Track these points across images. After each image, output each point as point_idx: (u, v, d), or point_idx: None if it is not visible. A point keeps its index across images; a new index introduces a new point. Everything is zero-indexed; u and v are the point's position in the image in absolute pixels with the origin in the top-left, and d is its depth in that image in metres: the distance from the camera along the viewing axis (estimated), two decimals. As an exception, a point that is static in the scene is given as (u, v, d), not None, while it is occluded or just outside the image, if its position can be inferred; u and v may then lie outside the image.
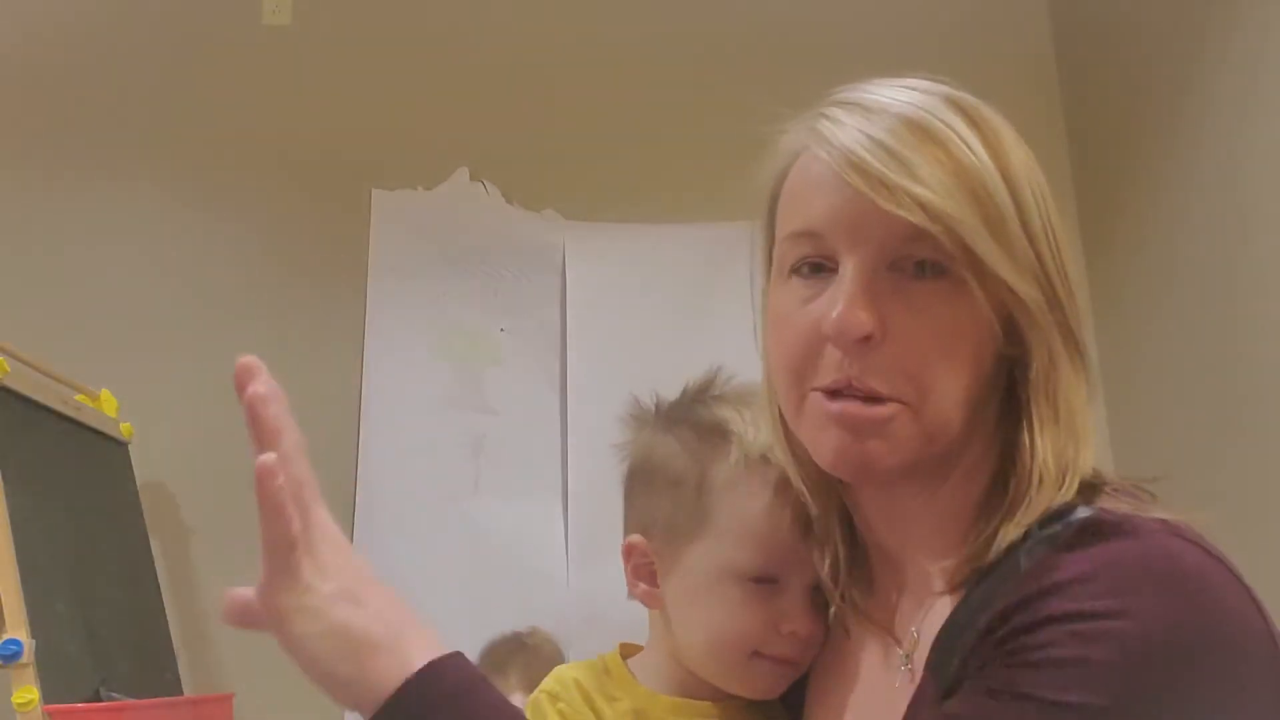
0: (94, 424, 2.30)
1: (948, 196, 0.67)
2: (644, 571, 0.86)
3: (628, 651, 0.89)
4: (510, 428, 2.62)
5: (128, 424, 2.42)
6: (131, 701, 1.95)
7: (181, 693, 2.29)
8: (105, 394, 2.40)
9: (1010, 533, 0.67)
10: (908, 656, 0.74)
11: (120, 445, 2.41)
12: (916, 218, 0.66)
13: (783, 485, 0.80)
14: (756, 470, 0.81)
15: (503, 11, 2.87)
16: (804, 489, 0.79)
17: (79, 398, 2.30)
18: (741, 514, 0.81)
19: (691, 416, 0.86)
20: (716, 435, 0.84)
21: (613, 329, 2.63)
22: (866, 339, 0.67)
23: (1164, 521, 0.65)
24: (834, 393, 0.70)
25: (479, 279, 2.71)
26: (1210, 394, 2.30)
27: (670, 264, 2.67)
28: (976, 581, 0.69)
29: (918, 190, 0.66)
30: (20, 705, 1.71)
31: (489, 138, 2.79)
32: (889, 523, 0.77)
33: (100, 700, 1.90)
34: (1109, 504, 0.67)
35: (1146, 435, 2.52)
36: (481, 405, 2.63)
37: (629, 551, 0.87)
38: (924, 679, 0.70)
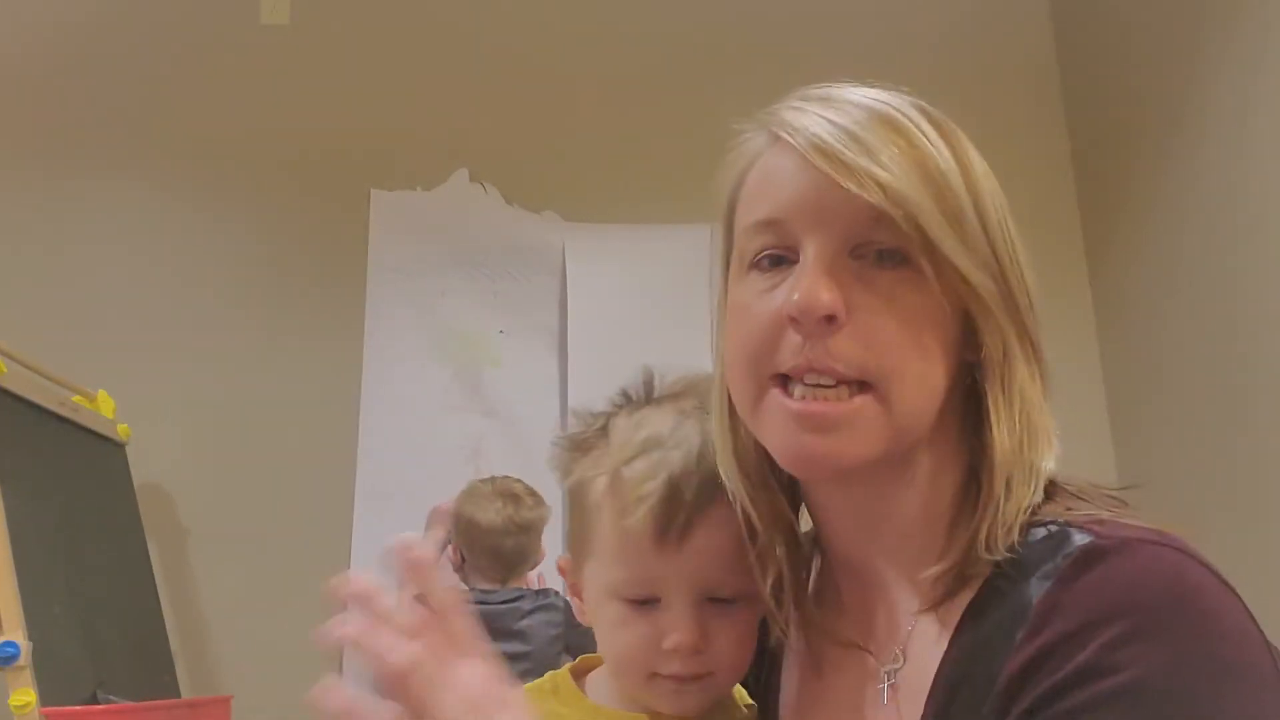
0: (91, 425, 2.30)
1: (907, 182, 0.67)
2: (573, 590, 0.85)
3: (590, 664, 0.86)
4: (510, 429, 2.61)
5: (125, 425, 2.41)
6: (129, 704, 1.94)
7: (179, 695, 2.28)
8: (102, 395, 2.40)
9: (990, 537, 0.66)
10: (890, 674, 0.72)
11: (117, 446, 2.40)
12: (875, 198, 0.66)
13: (652, 494, 0.75)
14: (624, 483, 0.77)
15: (503, 12, 2.87)
16: (746, 501, 0.76)
17: (76, 398, 2.30)
18: (610, 531, 0.77)
19: (605, 429, 0.83)
20: (599, 449, 0.81)
21: (612, 330, 2.62)
22: (830, 319, 0.66)
23: (1159, 532, 0.64)
24: (793, 383, 0.68)
25: (478, 280, 2.71)
26: (1213, 396, 2.30)
27: (670, 265, 2.67)
28: (970, 607, 0.67)
29: (878, 172, 0.67)
30: (17, 708, 1.70)
31: (489, 139, 2.78)
32: (853, 530, 0.75)
33: (97, 702, 1.89)
34: (1094, 517, 0.65)
35: (1149, 437, 2.51)
36: (481, 407, 2.62)
37: (560, 571, 0.86)
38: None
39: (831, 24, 2.82)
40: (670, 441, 0.77)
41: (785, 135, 0.71)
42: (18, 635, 1.73)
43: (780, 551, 0.77)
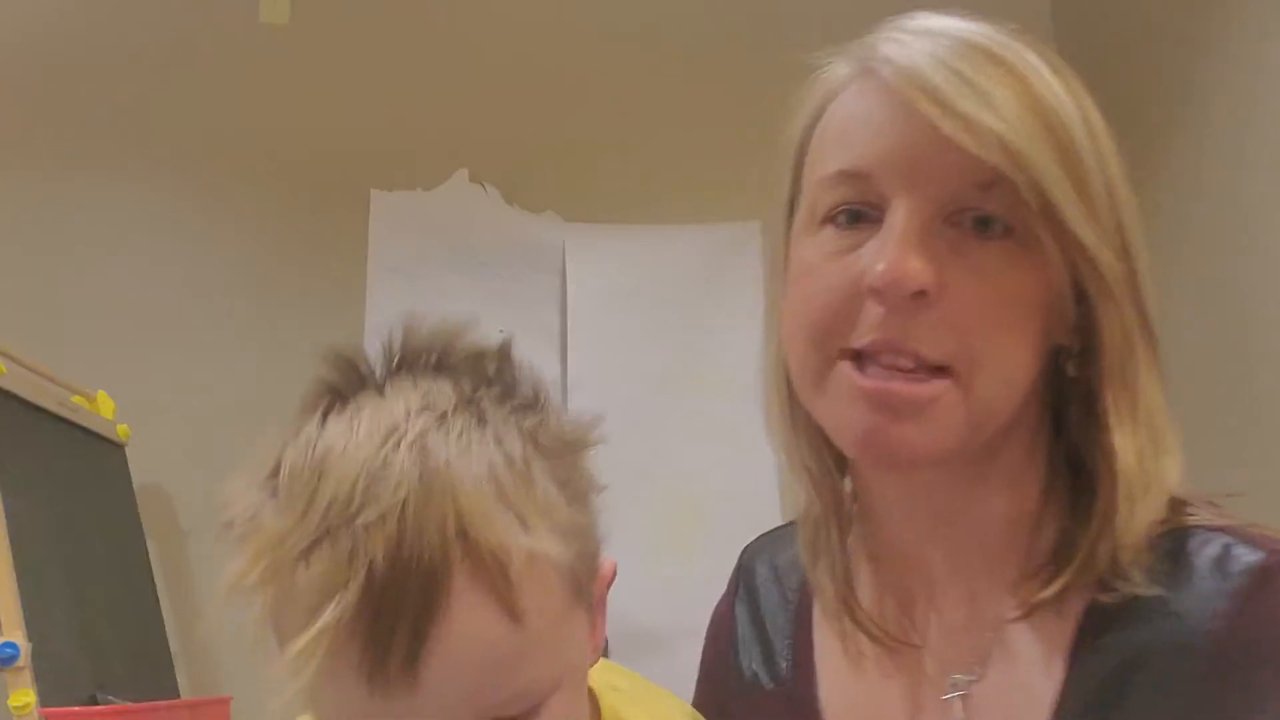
0: (90, 426, 2.29)
1: (1029, 137, 0.56)
2: None
3: None
4: (509, 430, 2.60)
5: (124, 426, 2.41)
6: (128, 704, 1.94)
7: (178, 696, 2.28)
8: (102, 395, 2.39)
9: (1108, 554, 0.58)
10: (962, 684, 0.63)
11: (117, 447, 2.40)
12: (994, 157, 0.55)
13: (336, 623, 0.48)
14: (297, 603, 0.49)
15: (503, 13, 2.86)
16: (807, 483, 0.68)
17: (75, 399, 2.29)
18: (301, 675, 0.49)
19: (275, 475, 0.59)
20: (260, 530, 0.58)
21: (613, 331, 2.62)
22: (920, 295, 0.56)
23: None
24: (867, 360, 0.59)
25: (478, 281, 2.70)
26: (1217, 398, 2.29)
27: (670, 265, 2.66)
28: (1088, 628, 0.59)
29: (998, 125, 0.55)
30: (17, 709, 1.69)
31: (489, 139, 2.78)
32: (914, 524, 0.66)
33: (97, 703, 1.89)
34: (1222, 524, 0.60)
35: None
36: (481, 407, 2.62)
37: None
38: None
39: (832, 24, 2.79)
40: (370, 502, 0.46)
41: (883, 70, 0.60)
42: (17, 635, 1.72)
43: (835, 539, 0.69)
